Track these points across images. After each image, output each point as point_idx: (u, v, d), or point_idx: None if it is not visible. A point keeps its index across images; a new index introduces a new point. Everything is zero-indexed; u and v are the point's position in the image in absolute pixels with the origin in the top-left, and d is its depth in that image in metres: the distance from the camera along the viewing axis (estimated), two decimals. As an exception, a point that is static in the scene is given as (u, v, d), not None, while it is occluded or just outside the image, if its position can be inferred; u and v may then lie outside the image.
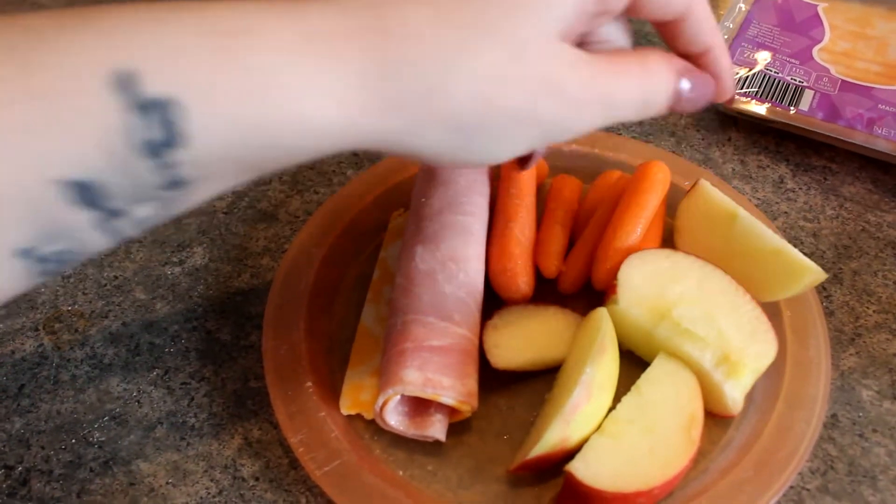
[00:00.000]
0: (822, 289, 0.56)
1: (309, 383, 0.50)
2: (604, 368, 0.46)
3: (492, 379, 0.50)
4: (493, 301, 0.53)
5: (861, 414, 0.50)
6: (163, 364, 0.54)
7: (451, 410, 0.48)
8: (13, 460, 0.50)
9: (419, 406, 0.48)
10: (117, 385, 0.53)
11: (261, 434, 0.50)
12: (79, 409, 0.52)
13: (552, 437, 0.44)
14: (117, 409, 0.52)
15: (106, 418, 0.51)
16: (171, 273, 0.59)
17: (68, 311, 0.57)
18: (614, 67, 0.37)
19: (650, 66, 0.39)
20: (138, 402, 0.52)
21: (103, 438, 0.50)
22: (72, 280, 0.59)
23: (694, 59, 0.41)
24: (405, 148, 0.35)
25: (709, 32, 0.41)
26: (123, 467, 0.49)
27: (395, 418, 0.47)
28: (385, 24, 0.33)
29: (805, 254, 0.53)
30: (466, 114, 0.34)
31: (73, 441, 0.50)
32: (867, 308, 0.55)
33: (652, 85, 0.39)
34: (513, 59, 0.34)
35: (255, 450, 0.49)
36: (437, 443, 0.48)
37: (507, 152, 0.37)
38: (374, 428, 0.49)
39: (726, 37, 0.70)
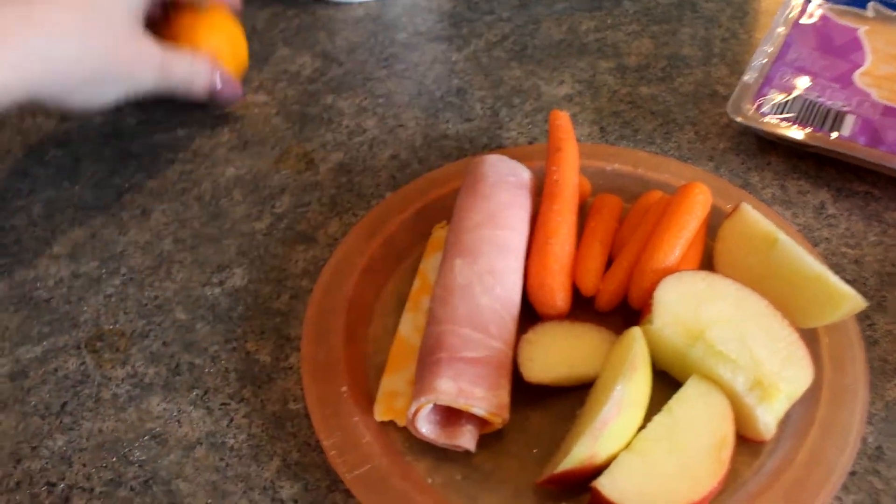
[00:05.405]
0: (865, 316, 0.55)
1: (344, 388, 0.50)
2: (635, 386, 0.45)
3: (525, 392, 0.50)
4: (531, 316, 0.53)
5: (906, 445, 0.49)
6: (202, 384, 0.54)
7: (481, 421, 0.48)
8: (55, 477, 0.50)
9: (451, 416, 0.48)
10: (157, 404, 0.53)
11: (300, 456, 0.50)
12: (120, 428, 0.52)
13: (580, 452, 0.44)
14: (157, 429, 0.52)
15: (146, 437, 0.52)
16: (211, 294, 0.59)
17: (110, 329, 0.58)
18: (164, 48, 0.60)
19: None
20: (178, 421, 0.53)
21: (143, 457, 0.51)
22: (113, 299, 0.59)
23: None
24: (41, 97, 0.54)
25: None
26: (163, 486, 0.50)
27: (426, 426, 0.48)
28: None
29: (847, 281, 0.52)
30: (66, 72, 0.54)
31: (114, 459, 0.51)
32: (912, 336, 0.54)
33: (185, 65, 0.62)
34: (96, 30, 0.55)
35: (295, 472, 0.50)
36: (466, 452, 0.48)
37: (103, 100, 0.58)
38: (406, 435, 0.49)
39: (765, 61, 0.70)
